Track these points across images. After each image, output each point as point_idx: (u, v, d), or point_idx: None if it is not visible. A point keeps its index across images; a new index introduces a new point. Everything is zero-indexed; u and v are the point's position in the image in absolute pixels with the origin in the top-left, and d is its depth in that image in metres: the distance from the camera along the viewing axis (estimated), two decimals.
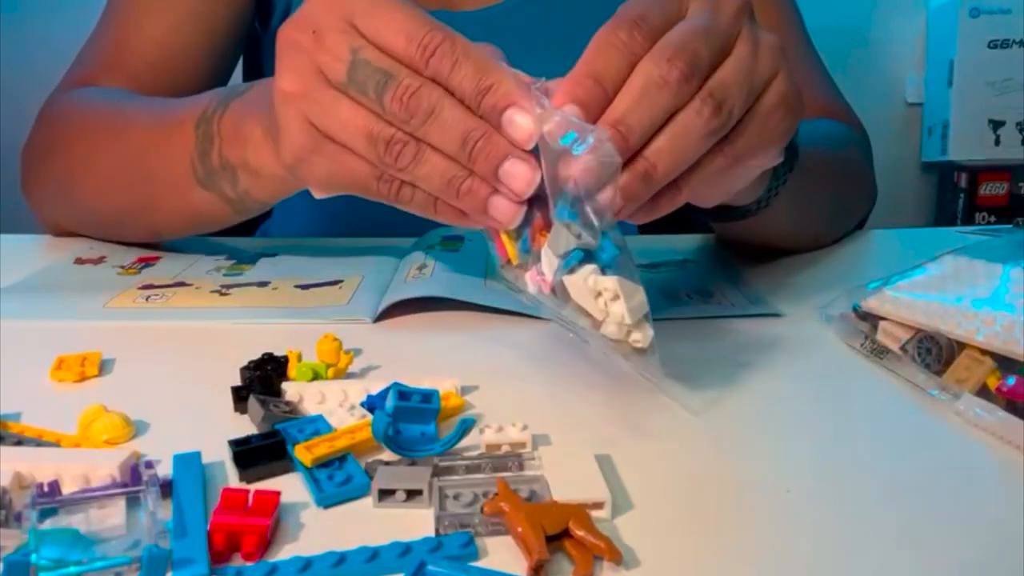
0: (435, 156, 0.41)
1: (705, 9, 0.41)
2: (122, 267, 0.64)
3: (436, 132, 0.40)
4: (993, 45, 1.65)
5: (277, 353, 0.43)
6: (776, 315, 0.52)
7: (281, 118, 0.44)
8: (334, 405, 0.40)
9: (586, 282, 0.37)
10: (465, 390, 0.42)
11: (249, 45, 0.81)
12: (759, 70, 0.42)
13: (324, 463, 0.34)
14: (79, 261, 0.66)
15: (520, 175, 0.40)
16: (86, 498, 0.30)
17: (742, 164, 0.43)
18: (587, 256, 0.38)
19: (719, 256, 0.67)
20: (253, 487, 0.31)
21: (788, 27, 0.79)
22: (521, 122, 0.40)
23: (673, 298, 0.56)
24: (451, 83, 0.40)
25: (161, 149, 0.58)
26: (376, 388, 0.40)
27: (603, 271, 0.38)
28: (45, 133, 0.71)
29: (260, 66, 0.84)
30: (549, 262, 0.39)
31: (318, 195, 0.47)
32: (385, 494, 0.32)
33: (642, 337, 0.37)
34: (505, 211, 0.41)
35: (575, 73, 0.40)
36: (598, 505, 0.31)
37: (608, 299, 0.37)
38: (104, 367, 0.45)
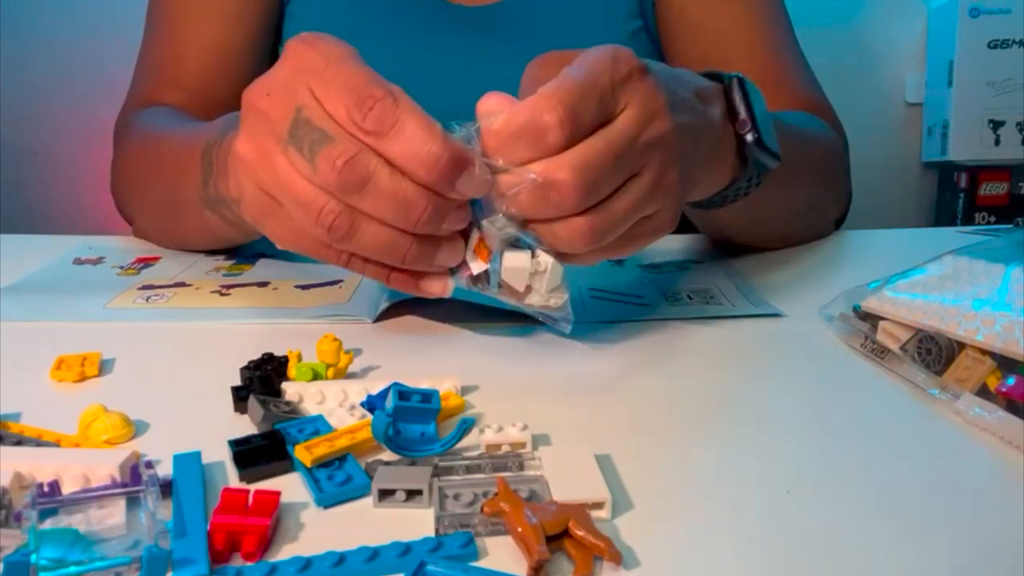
0: (373, 226, 0.40)
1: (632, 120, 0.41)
2: (122, 267, 0.64)
3: (373, 204, 0.39)
4: (993, 45, 1.65)
5: (277, 353, 0.43)
6: (776, 315, 0.52)
7: (240, 180, 0.44)
8: (334, 405, 0.40)
9: (525, 262, 0.42)
10: (465, 390, 0.42)
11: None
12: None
13: (324, 463, 0.34)
14: (78, 261, 0.66)
15: (454, 252, 0.42)
16: (86, 498, 0.30)
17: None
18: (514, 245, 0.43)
19: (719, 256, 0.67)
20: (253, 487, 0.31)
21: (771, 21, 0.79)
22: (481, 180, 0.40)
23: (673, 298, 0.56)
24: (390, 148, 0.39)
25: (183, 174, 0.59)
26: (376, 388, 0.40)
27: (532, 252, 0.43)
28: (116, 162, 0.77)
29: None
30: (474, 259, 0.43)
31: (282, 248, 0.46)
32: (385, 494, 0.32)
33: (558, 300, 0.44)
34: (437, 287, 0.43)
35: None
36: (598, 505, 0.31)
37: (538, 272, 0.43)
38: (104, 367, 0.45)
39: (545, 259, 0.42)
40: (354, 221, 0.40)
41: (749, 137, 0.51)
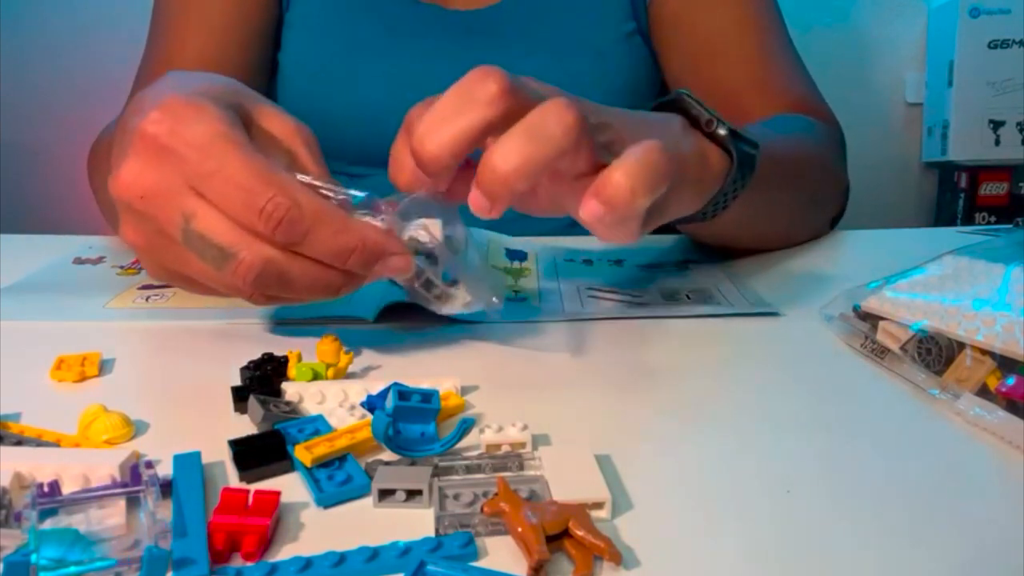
0: (297, 290, 0.41)
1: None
2: (121, 267, 0.64)
3: (294, 292, 0.40)
4: (993, 45, 1.65)
5: (277, 353, 0.43)
6: (776, 315, 0.52)
7: (139, 260, 0.43)
8: (334, 405, 0.40)
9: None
10: (465, 390, 0.42)
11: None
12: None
13: (324, 463, 0.34)
14: (78, 261, 0.66)
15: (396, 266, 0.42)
16: (86, 498, 0.30)
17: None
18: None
19: (718, 256, 0.67)
20: (253, 487, 0.31)
21: (764, 22, 0.80)
22: (399, 265, 0.41)
23: (673, 298, 0.56)
24: (303, 251, 0.39)
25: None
26: (376, 388, 0.40)
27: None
28: (88, 161, 0.76)
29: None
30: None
31: None
32: (385, 494, 0.32)
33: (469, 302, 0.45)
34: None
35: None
36: (598, 505, 0.31)
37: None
38: (104, 367, 0.45)
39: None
40: (280, 291, 0.41)
41: (722, 131, 0.50)
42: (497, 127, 0.39)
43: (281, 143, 0.43)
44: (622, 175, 0.39)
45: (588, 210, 0.39)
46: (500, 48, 0.79)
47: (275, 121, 0.44)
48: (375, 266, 0.40)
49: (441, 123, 0.40)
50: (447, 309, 0.45)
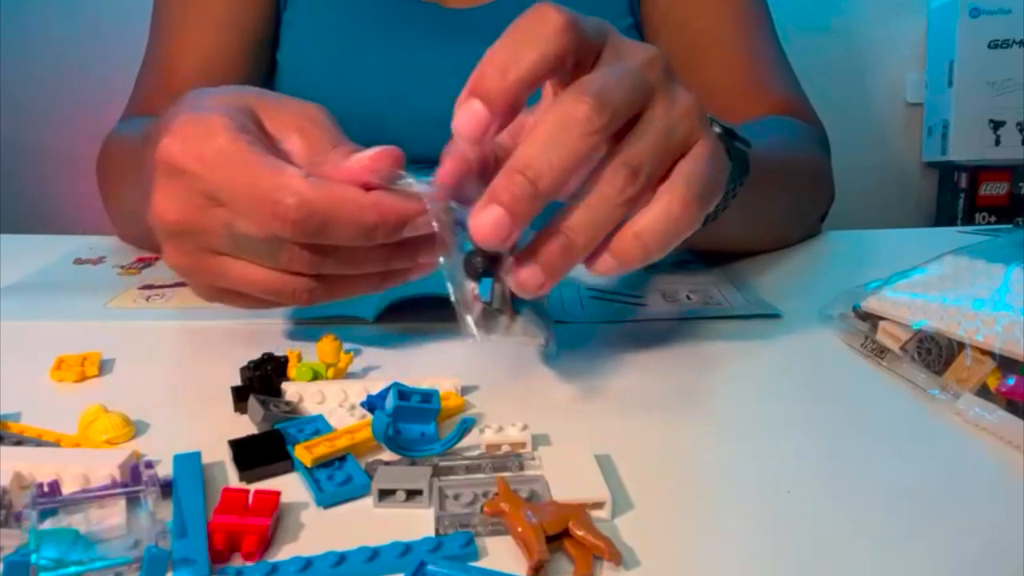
0: (346, 279, 0.41)
1: (614, 60, 0.39)
2: (122, 267, 0.64)
3: (343, 267, 0.41)
4: (993, 45, 1.65)
5: (277, 353, 0.43)
6: (776, 316, 0.52)
7: (184, 279, 0.44)
8: (334, 405, 0.40)
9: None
10: (465, 390, 0.42)
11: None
12: (676, 134, 0.38)
13: (324, 463, 0.34)
14: (78, 261, 0.66)
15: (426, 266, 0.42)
16: (86, 498, 0.30)
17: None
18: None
19: (719, 257, 0.66)
20: (253, 487, 0.31)
21: (752, 22, 0.80)
22: (424, 224, 0.39)
23: (673, 298, 0.56)
24: (332, 237, 0.38)
25: (129, 182, 0.59)
26: (376, 388, 0.40)
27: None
28: (97, 165, 0.76)
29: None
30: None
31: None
32: (385, 494, 0.32)
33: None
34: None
35: (515, 161, 0.36)
36: (598, 505, 0.31)
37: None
38: (104, 367, 0.45)
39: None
40: (329, 286, 0.41)
41: (717, 130, 0.50)
42: (564, 60, 0.38)
43: (295, 133, 0.43)
44: (638, 239, 0.38)
45: (602, 267, 0.38)
46: None
47: (284, 113, 0.43)
48: (406, 230, 0.39)
49: (511, 53, 0.38)
50: (498, 335, 0.42)
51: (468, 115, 0.36)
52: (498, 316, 0.40)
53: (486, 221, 0.35)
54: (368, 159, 0.39)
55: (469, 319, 0.39)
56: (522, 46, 0.38)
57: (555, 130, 0.36)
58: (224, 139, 0.39)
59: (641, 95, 0.38)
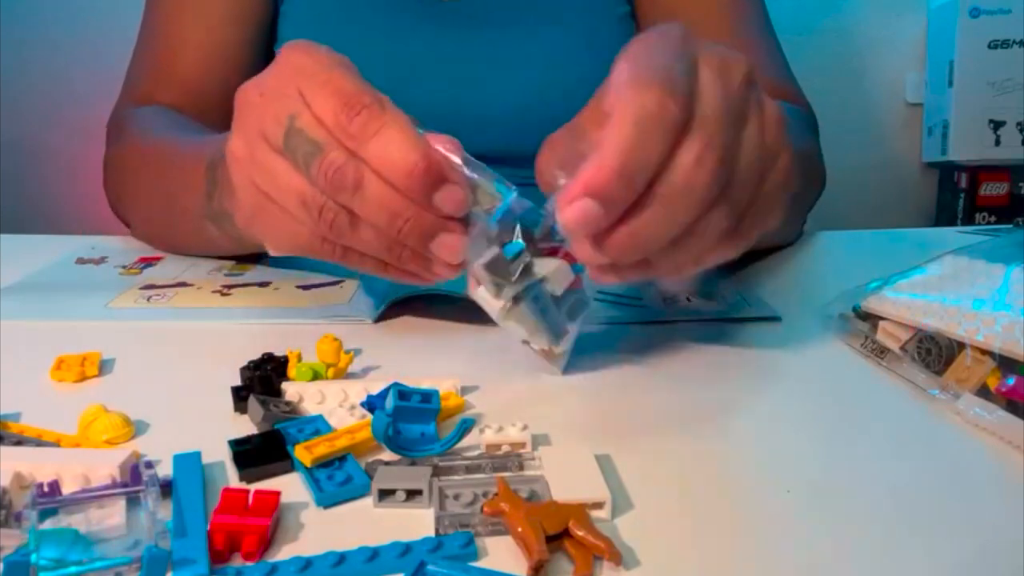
0: (369, 228, 0.41)
1: (715, 78, 0.38)
2: (124, 267, 0.64)
3: (363, 209, 0.40)
4: (993, 45, 1.65)
5: (277, 353, 0.43)
6: (775, 318, 0.52)
7: (234, 179, 0.44)
8: (334, 405, 0.40)
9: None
10: (465, 390, 0.42)
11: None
12: (769, 153, 0.39)
13: (324, 463, 0.34)
14: (80, 261, 0.66)
15: (450, 246, 0.40)
16: (86, 498, 0.30)
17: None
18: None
19: None
20: (253, 487, 0.31)
21: (745, 7, 0.80)
22: (456, 197, 0.39)
23: (672, 300, 0.56)
24: (371, 152, 0.39)
25: (186, 185, 0.59)
26: (376, 388, 0.40)
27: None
28: (111, 159, 0.76)
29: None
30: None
31: (274, 253, 0.46)
32: (385, 494, 0.32)
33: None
34: (447, 272, 0.41)
35: (605, 161, 0.35)
36: (598, 505, 0.31)
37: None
38: (104, 367, 0.45)
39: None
40: (352, 219, 0.40)
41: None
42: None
43: None
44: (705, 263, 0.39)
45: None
46: (497, 34, 0.80)
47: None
48: (435, 194, 0.39)
49: (638, 155, 0.36)
50: (547, 344, 0.43)
51: (582, 215, 0.35)
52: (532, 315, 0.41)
53: (576, 214, 0.35)
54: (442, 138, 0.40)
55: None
56: (649, 144, 0.36)
57: (649, 131, 0.35)
58: (344, 59, 0.42)
59: (738, 117, 0.38)
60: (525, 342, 0.44)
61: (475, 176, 0.40)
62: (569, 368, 0.45)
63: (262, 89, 0.43)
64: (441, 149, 0.40)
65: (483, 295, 0.42)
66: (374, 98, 0.39)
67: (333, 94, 0.40)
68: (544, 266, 0.41)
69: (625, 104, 0.36)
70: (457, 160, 0.40)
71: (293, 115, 0.40)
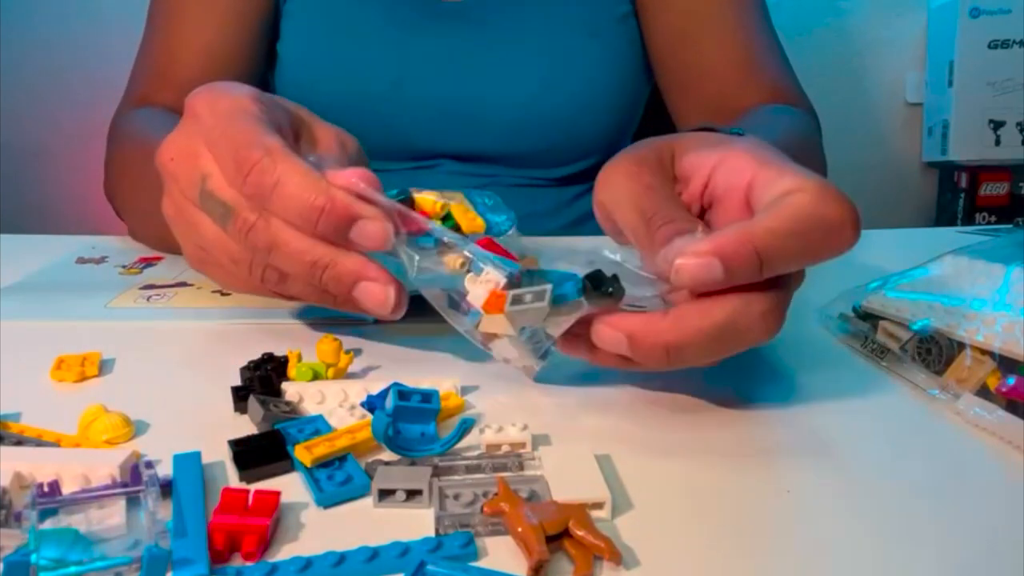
0: (297, 279, 0.41)
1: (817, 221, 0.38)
2: (124, 267, 0.64)
3: (284, 263, 0.40)
4: (993, 45, 1.65)
5: (277, 353, 0.43)
6: None
7: (173, 232, 0.45)
8: (334, 405, 0.40)
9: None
10: (465, 390, 0.42)
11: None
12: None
13: (324, 463, 0.34)
14: (81, 261, 0.66)
15: (372, 294, 0.40)
16: (86, 498, 0.30)
17: None
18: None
19: None
20: (253, 487, 0.31)
21: (747, 5, 0.81)
22: (372, 230, 0.39)
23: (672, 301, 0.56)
24: (276, 206, 0.39)
25: None
26: (376, 388, 0.40)
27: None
28: (108, 162, 0.77)
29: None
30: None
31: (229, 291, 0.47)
32: (385, 494, 0.32)
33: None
34: (388, 316, 0.41)
35: (756, 240, 0.36)
36: (598, 505, 0.31)
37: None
38: (104, 367, 0.45)
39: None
40: (280, 272, 0.41)
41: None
42: None
43: (324, 150, 0.45)
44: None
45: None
46: (499, 32, 0.80)
47: (323, 131, 0.46)
48: (351, 231, 0.39)
49: (791, 256, 0.38)
50: (528, 361, 0.41)
51: (704, 271, 0.36)
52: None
53: (699, 268, 0.35)
54: (352, 172, 0.40)
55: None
56: (806, 254, 0.38)
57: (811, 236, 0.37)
58: (245, 102, 0.41)
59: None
60: (505, 360, 0.43)
61: (394, 204, 0.40)
62: (569, 368, 0.45)
63: (172, 153, 0.43)
64: (350, 184, 0.39)
65: (502, 350, 0.41)
66: (264, 150, 0.39)
67: (226, 154, 0.40)
68: (554, 325, 0.39)
69: (800, 206, 0.37)
70: (366, 189, 0.39)
71: (204, 176, 0.41)
